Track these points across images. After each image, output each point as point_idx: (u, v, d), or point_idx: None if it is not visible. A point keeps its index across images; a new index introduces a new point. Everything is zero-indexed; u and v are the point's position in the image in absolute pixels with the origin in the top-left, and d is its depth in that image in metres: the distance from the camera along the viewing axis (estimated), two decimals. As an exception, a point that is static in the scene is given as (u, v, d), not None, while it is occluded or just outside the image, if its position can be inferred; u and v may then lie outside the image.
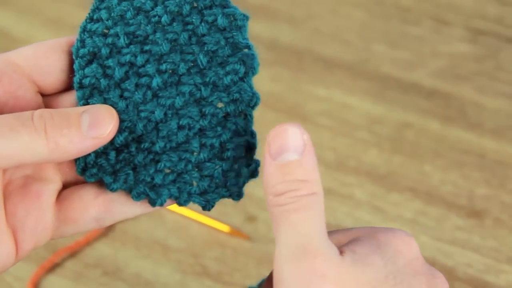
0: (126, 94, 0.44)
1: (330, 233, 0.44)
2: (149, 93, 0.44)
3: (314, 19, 0.98)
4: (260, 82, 0.45)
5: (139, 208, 0.45)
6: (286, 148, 0.41)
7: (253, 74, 0.44)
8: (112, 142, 0.44)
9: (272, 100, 0.86)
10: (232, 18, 0.44)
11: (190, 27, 0.44)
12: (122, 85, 0.44)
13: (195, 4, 0.45)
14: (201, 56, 0.44)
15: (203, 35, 0.44)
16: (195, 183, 0.45)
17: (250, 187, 0.46)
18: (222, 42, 0.44)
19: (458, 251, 0.72)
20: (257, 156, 0.45)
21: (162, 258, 0.72)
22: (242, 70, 0.44)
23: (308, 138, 0.41)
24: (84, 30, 0.45)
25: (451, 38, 0.95)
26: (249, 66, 0.44)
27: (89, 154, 0.44)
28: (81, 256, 0.73)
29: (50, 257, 0.72)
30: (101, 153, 0.44)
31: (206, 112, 0.44)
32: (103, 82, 0.45)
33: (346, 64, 0.92)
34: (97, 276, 0.71)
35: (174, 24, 0.45)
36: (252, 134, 0.45)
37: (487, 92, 0.88)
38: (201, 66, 0.44)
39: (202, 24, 0.44)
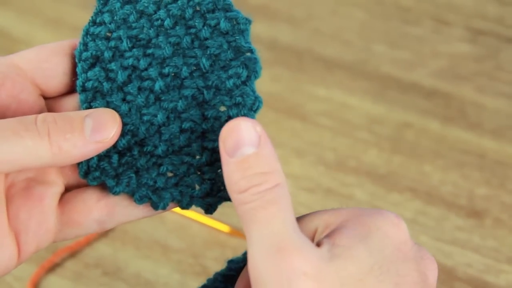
0: (128, 97, 0.44)
1: (317, 213, 0.43)
2: (151, 96, 0.44)
3: (314, 19, 0.98)
4: (260, 82, 0.45)
5: (141, 211, 0.45)
6: (242, 143, 0.40)
7: (256, 78, 0.44)
8: (114, 145, 0.44)
9: (272, 100, 0.86)
10: (234, 22, 0.44)
11: (192, 30, 0.44)
12: (124, 88, 0.44)
13: (197, 8, 0.44)
14: (203, 60, 0.44)
15: (206, 39, 0.44)
16: (197, 187, 0.45)
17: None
18: (225, 46, 0.44)
19: (458, 251, 0.72)
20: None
21: (162, 258, 0.72)
22: (245, 74, 0.44)
23: (261, 129, 0.41)
24: (87, 33, 0.45)
25: (451, 38, 0.95)
26: (252, 70, 0.43)
27: (92, 158, 0.44)
28: (81, 256, 0.73)
29: (50, 257, 0.72)
30: (103, 156, 0.44)
31: (209, 115, 0.44)
32: (106, 85, 0.44)
33: (346, 64, 0.92)
34: (97, 276, 0.71)
35: (177, 27, 0.44)
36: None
37: (487, 92, 0.88)
38: (204, 70, 0.44)
39: (205, 27, 0.44)
